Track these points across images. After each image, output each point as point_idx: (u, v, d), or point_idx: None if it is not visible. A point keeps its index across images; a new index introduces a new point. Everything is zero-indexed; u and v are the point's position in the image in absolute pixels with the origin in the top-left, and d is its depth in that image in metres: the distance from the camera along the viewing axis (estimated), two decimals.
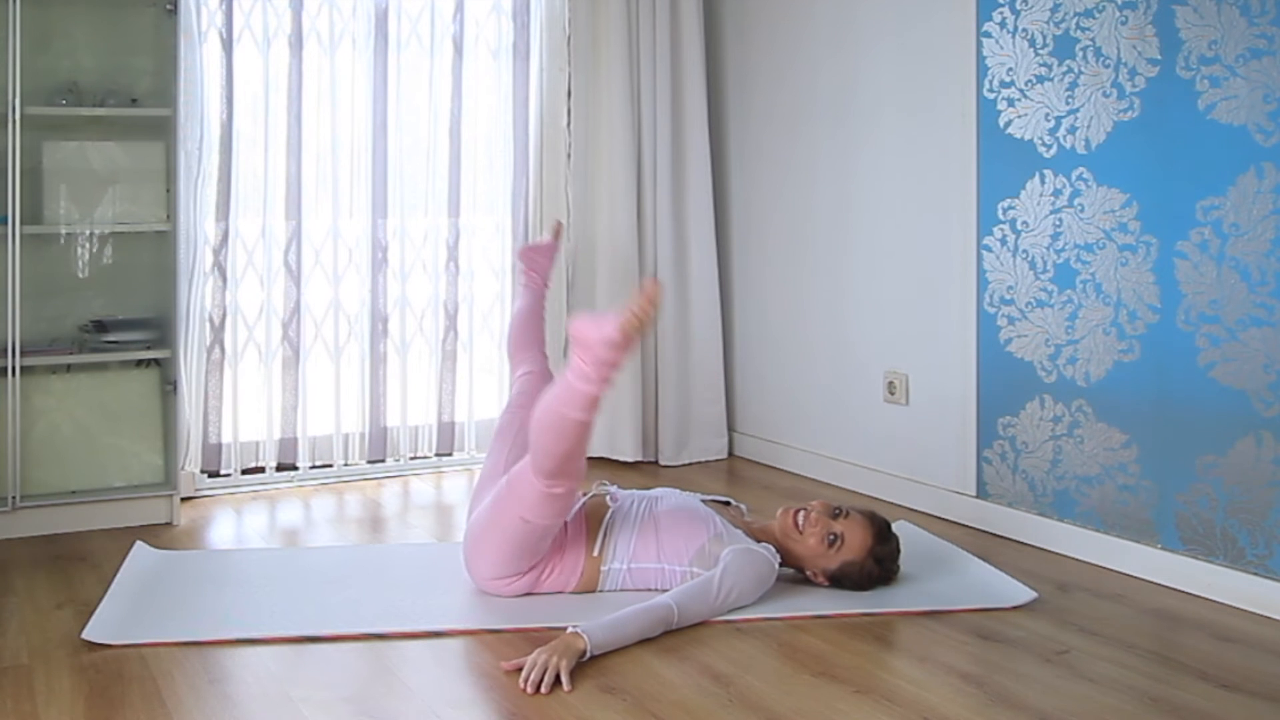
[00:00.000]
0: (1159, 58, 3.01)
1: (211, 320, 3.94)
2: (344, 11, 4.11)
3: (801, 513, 2.89)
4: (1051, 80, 3.28)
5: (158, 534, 3.44)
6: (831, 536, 2.85)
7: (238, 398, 4.00)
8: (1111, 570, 3.12)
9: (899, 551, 2.94)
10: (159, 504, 3.58)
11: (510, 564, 2.78)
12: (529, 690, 2.31)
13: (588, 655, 2.44)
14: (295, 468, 4.12)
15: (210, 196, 3.89)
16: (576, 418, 2.56)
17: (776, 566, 2.82)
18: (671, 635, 2.61)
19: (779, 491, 3.96)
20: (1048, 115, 3.30)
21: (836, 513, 2.88)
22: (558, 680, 2.34)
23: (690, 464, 4.41)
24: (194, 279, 3.80)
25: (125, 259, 3.66)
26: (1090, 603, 2.88)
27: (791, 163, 4.25)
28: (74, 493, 3.51)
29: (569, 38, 4.35)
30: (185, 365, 3.76)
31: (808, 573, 2.91)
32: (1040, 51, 3.31)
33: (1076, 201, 3.23)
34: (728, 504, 3.06)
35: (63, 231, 3.54)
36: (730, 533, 2.85)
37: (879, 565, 2.87)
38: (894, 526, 3.00)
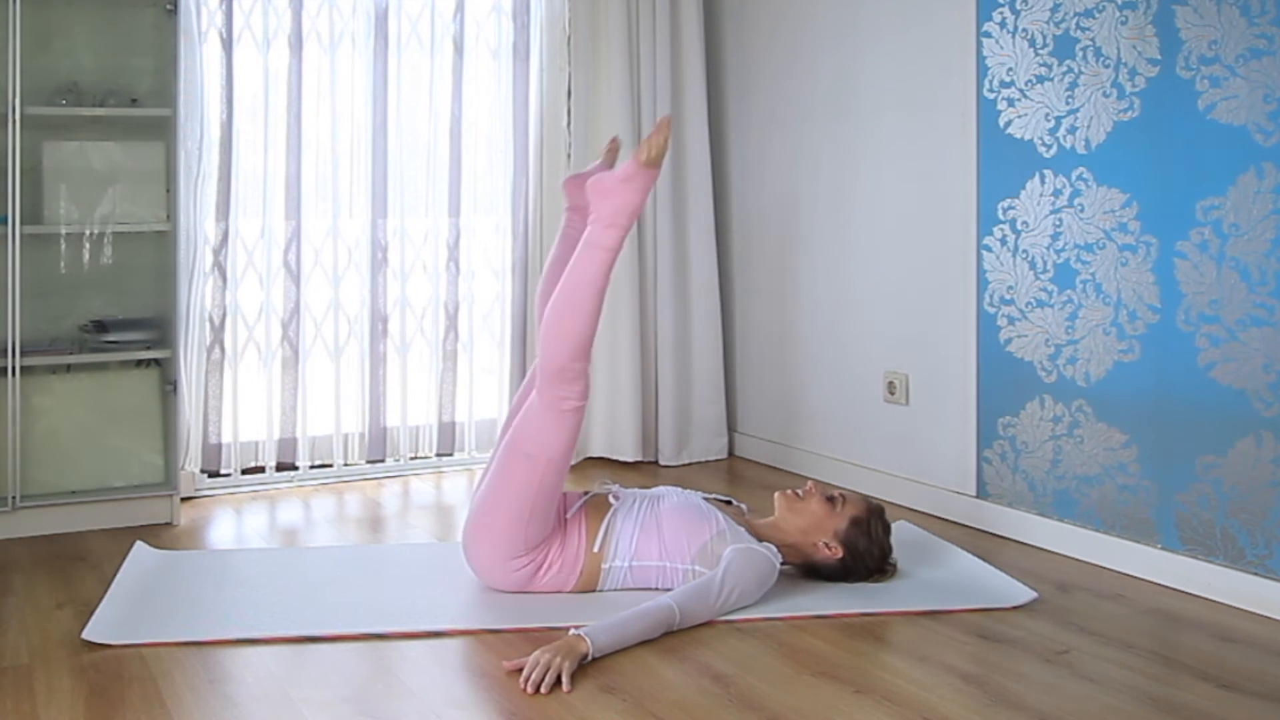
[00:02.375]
0: (1159, 58, 3.01)
1: (211, 320, 3.94)
2: (344, 11, 4.11)
3: (799, 489, 2.99)
4: (1051, 80, 3.28)
5: (158, 534, 3.44)
6: (832, 497, 2.94)
7: (238, 398, 3.99)
8: (1111, 570, 3.12)
9: (890, 528, 2.98)
10: (159, 504, 3.58)
11: (511, 534, 2.77)
12: (529, 690, 2.31)
13: (590, 658, 2.44)
14: (295, 468, 4.12)
15: (210, 196, 3.89)
16: (593, 278, 2.72)
17: (778, 566, 2.82)
18: (671, 635, 2.61)
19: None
20: (1048, 115, 3.29)
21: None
22: (558, 681, 2.34)
23: (690, 464, 4.41)
24: (194, 279, 3.80)
25: (125, 259, 3.66)
26: (1090, 603, 2.88)
27: (791, 163, 4.25)
28: (74, 493, 3.51)
29: (569, 38, 4.35)
30: (185, 365, 3.76)
31: (820, 543, 2.90)
32: (1040, 51, 3.31)
33: (1076, 201, 3.23)
34: (729, 503, 3.06)
35: (63, 231, 3.54)
36: (734, 530, 2.84)
37: (884, 526, 2.94)
38: (893, 527, 3.02)
